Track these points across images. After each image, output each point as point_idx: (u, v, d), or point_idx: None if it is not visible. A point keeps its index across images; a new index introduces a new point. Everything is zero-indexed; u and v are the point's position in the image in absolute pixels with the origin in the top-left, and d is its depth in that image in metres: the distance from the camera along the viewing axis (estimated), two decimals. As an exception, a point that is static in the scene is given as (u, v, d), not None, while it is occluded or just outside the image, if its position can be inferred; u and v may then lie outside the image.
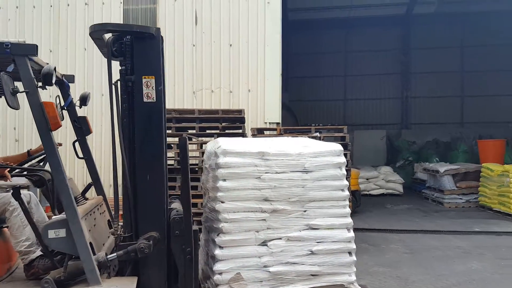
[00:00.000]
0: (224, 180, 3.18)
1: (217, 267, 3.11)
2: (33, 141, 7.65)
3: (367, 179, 11.28)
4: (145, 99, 2.81)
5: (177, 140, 3.72)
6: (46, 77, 2.51)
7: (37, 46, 2.63)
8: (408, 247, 6.15)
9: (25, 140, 7.86)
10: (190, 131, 6.04)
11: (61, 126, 2.61)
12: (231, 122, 6.16)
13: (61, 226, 2.56)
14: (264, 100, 7.36)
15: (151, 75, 2.84)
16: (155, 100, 2.83)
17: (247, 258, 3.15)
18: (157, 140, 2.83)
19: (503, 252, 5.83)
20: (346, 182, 3.46)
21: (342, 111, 15.99)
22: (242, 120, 6.01)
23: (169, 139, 4.67)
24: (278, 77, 7.39)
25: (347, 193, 3.45)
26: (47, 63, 2.73)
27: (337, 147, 3.50)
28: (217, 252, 3.14)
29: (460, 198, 9.65)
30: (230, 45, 7.56)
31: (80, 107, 3.29)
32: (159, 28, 2.92)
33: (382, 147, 14.91)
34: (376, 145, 14.62)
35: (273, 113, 7.31)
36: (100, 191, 3.44)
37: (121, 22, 7.79)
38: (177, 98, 7.51)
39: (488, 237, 6.73)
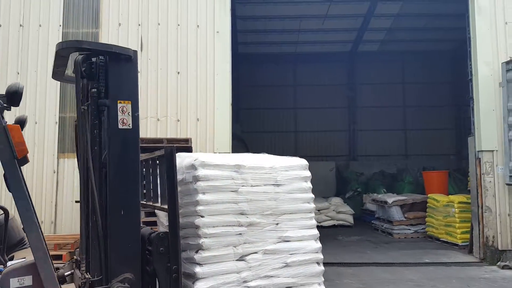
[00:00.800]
0: (204, 193, 3.09)
1: (198, 286, 2.96)
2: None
3: (318, 210, 11.16)
4: (120, 126, 2.61)
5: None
6: (13, 96, 2.28)
7: None
8: (362, 282, 5.95)
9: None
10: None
11: (28, 153, 2.33)
12: (177, 152, 5.77)
13: (26, 273, 2.21)
14: (214, 129, 7.06)
15: (128, 100, 2.68)
16: (131, 127, 2.66)
17: (227, 275, 3.08)
18: (133, 170, 2.62)
19: (454, 284, 5.80)
20: (312, 195, 3.57)
21: (293, 143, 16.08)
22: (189, 149, 5.67)
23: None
24: (228, 106, 7.15)
25: (313, 205, 3.59)
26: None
27: (303, 161, 3.61)
28: (197, 270, 2.99)
29: (409, 229, 9.76)
30: (178, 72, 7.28)
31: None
32: (136, 51, 2.77)
33: (331, 178, 15.04)
34: (326, 176, 14.72)
35: (223, 143, 7.01)
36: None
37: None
38: (119, 127, 7.02)
39: (438, 268, 6.72)
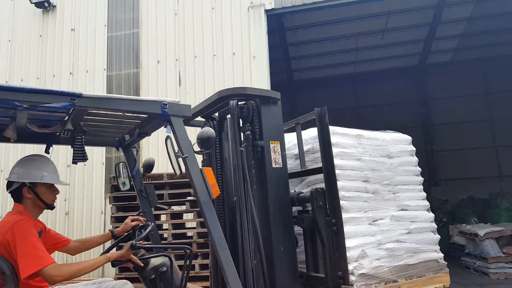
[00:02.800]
0: (338, 158, 3.18)
1: (347, 243, 2.98)
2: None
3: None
4: (273, 165, 2.78)
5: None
6: (205, 142, 2.36)
7: (190, 106, 2.44)
8: None
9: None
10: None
11: (219, 193, 2.45)
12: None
13: None
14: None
15: (277, 141, 2.84)
16: (281, 166, 2.82)
17: (365, 237, 3.19)
18: (287, 206, 2.81)
19: None
20: (419, 168, 3.80)
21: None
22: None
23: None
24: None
25: (421, 178, 3.81)
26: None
27: (408, 137, 3.88)
28: (346, 229, 3.05)
29: (509, 267, 7.92)
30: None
31: (144, 175, 3.19)
32: (279, 93, 2.90)
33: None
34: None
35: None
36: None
37: (106, 88, 7.45)
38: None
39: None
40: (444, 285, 3.45)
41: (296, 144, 3.39)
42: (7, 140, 2.42)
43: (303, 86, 14.14)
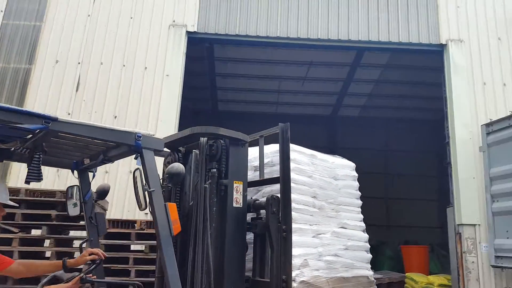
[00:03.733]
0: (293, 172, 3.36)
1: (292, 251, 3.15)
2: None
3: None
4: (234, 204, 2.90)
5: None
6: (174, 177, 2.44)
7: (163, 141, 2.49)
8: None
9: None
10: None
11: (180, 230, 2.37)
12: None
13: None
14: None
15: (241, 181, 2.96)
16: (241, 206, 2.95)
17: (308, 248, 3.42)
18: (242, 244, 2.95)
19: None
20: (359, 193, 4.16)
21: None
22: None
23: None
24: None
25: (361, 201, 4.14)
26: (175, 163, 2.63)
27: (352, 163, 4.26)
28: (293, 238, 3.19)
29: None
30: (115, 117, 6.41)
31: (96, 201, 2.96)
32: (247, 136, 3.18)
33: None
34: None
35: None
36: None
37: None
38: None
39: None
40: (371, 302, 3.63)
41: (257, 157, 3.63)
42: None
43: (227, 117, 14.18)
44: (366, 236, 4.08)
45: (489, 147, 6.10)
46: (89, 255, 2.52)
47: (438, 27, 7.30)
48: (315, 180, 3.67)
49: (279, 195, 3.06)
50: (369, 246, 4.06)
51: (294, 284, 3.06)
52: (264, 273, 3.07)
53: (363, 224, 4.12)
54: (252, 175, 3.59)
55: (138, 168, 2.26)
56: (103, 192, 2.89)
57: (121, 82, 6.59)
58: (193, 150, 3.17)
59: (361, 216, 4.12)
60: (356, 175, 4.21)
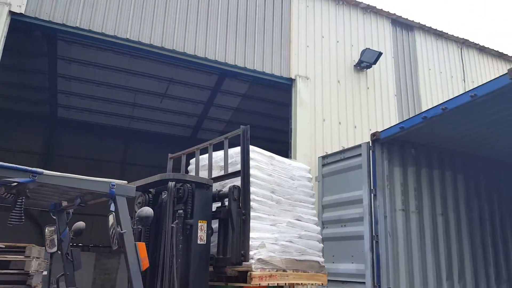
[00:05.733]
0: (253, 169, 3.91)
1: (252, 235, 3.67)
2: None
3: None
4: (199, 241, 3.33)
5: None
6: (144, 220, 2.75)
7: (135, 187, 2.80)
8: None
9: None
10: None
11: (148, 266, 2.64)
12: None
13: None
14: None
15: (205, 220, 3.41)
16: (205, 243, 3.38)
17: (266, 233, 3.91)
18: (205, 278, 3.36)
19: None
20: (313, 192, 4.84)
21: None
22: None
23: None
24: None
25: (314, 199, 4.80)
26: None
27: (307, 167, 4.94)
28: (252, 224, 3.73)
29: None
30: None
31: (72, 240, 3.13)
32: (212, 180, 3.72)
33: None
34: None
35: None
36: None
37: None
38: None
39: None
40: (322, 283, 4.29)
41: (222, 158, 4.21)
42: None
43: (67, 125, 12.62)
44: (318, 228, 4.59)
45: (323, 178, 6.44)
46: None
47: (289, 61, 7.69)
48: (274, 177, 4.20)
49: (240, 186, 3.64)
50: (321, 237, 4.58)
51: (252, 261, 3.56)
52: (227, 252, 3.57)
53: (316, 218, 4.66)
54: (218, 173, 4.18)
55: (111, 211, 2.53)
56: (78, 231, 3.12)
57: None
58: (162, 192, 3.56)
59: (315, 212, 4.67)
60: (311, 176, 4.76)
